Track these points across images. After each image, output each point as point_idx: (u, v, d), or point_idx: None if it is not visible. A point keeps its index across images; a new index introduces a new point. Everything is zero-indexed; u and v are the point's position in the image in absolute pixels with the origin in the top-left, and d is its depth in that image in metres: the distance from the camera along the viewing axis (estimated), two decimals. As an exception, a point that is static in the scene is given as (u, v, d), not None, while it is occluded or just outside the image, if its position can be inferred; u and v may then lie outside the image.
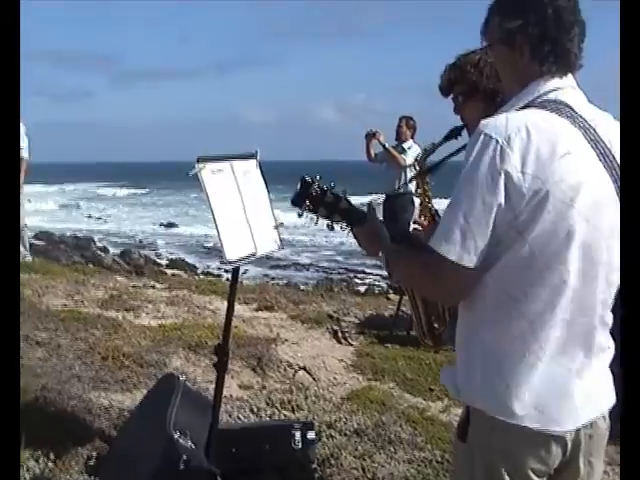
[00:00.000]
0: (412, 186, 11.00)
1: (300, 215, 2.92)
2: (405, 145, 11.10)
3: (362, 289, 18.95)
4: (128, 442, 4.51)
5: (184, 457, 3.90)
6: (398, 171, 11.13)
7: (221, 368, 4.14)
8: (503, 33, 2.56)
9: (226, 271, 25.84)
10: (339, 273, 26.12)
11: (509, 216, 2.34)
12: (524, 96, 2.54)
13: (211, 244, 31.08)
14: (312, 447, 4.79)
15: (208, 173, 3.82)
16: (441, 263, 2.40)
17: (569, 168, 2.36)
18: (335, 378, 7.03)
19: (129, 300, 9.08)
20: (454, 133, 3.86)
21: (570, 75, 2.57)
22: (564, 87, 2.54)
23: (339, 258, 30.94)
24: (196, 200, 53.27)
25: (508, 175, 2.32)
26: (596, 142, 2.47)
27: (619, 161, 2.49)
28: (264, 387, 6.54)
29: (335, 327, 8.62)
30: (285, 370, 7.02)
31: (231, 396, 6.12)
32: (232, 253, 3.86)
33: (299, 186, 2.88)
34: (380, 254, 2.79)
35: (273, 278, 24.66)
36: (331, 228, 2.94)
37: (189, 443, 4.05)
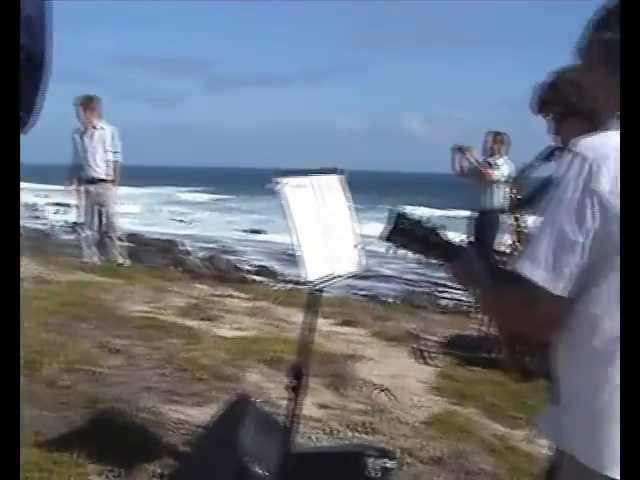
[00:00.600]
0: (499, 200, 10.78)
1: (394, 252, 2.78)
2: (496, 161, 10.87)
3: (445, 302, 18.74)
4: (197, 463, 4.36)
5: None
6: (487, 187, 10.91)
7: (296, 391, 3.97)
8: (604, 52, 2.37)
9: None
10: (422, 286, 25.83)
11: (600, 239, 2.16)
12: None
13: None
14: (389, 476, 4.57)
15: (288, 188, 3.65)
16: (532, 291, 2.21)
17: None
18: (415, 400, 6.80)
19: (209, 309, 8.99)
20: (550, 154, 3.66)
21: None
22: None
23: (424, 271, 30.68)
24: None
25: (600, 197, 2.14)
26: None
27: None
28: (342, 407, 6.35)
29: (417, 346, 8.40)
30: (363, 389, 6.81)
31: (305, 415, 5.94)
32: (312, 273, 3.68)
33: (391, 221, 2.74)
34: (475, 292, 2.62)
35: (356, 289, 24.54)
36: (425, 262, 2.78)
37: (261, 470, 3.89)
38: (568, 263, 2.17)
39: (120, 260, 12.15)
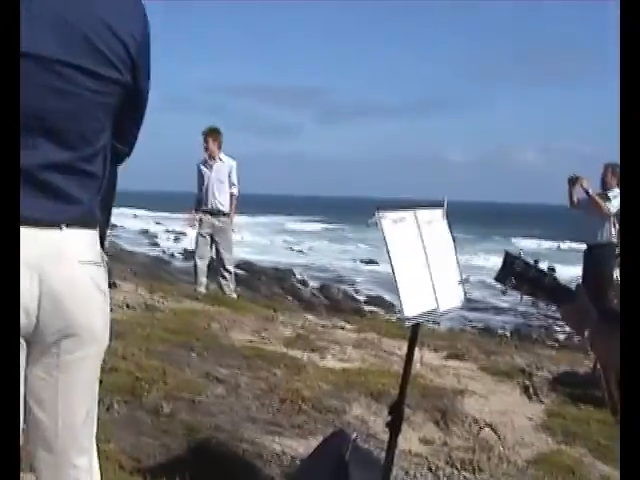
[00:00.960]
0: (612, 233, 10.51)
1: (504, 292, 2.75)
2: (611, 194, 10.61)
3: (561, 337, 18.41)
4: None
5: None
6: (601, 220, 10.65)
7: (394, 429, 3.90)
8: None
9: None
10: (538, 319, 25.39)
11: None
12: None
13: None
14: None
15: (389, 222, 3.59)
16: None
17: None
18: (522, 438, 6.64)
19: (316, 340, 8.96)
20: None
21: None
22: None
23: (539, 303, 30.16)
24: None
25: None
26: None
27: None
28: (446, 443, 6.23)
29: (527, 382, 8.19)
30: (470, 426, 6.68)
31: (409, 451, 5.85)
32: (411, 309, 3.61)
33: (502, 261, 2.70)
34: (585, 335, 2.54)
35: (470, 321, 24.30)
36: (536, 305, 2.72)
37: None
38: None
39: (227, 291, 12.28)
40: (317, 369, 7.60)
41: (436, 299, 3.79)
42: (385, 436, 5.92)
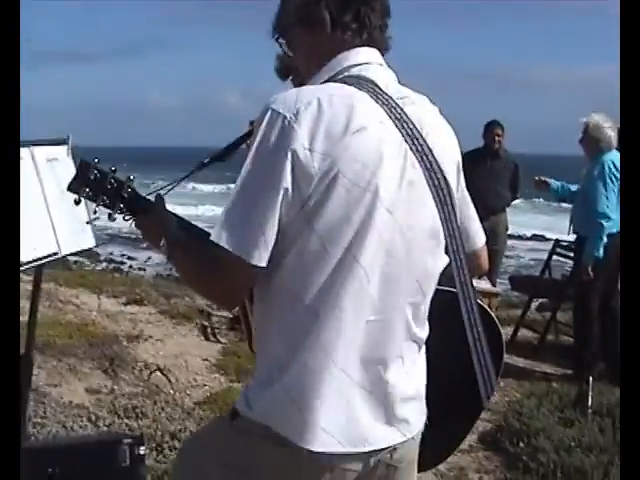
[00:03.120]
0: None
1: (77, 202, 2.46)
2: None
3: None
4: None
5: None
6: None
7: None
8: (301, 11, 2.24)
9: (129, 258, 25.50)
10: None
11: (297, 202, 1.98)
12: (325, 72, 2.20)
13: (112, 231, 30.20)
14: (142, 464, 4.30)
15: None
16: (224, 259, 2.00)
17: (365, 146, 2.02)
18: (195, 379, 6.57)
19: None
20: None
21: (377, 53, 2.25)
22: (370, 63, 2.21)
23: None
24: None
25: (295, 154, 1.96)
26: (402, 122, 2.12)
27: (435, 149, 2.17)
28: (112, 391, 6.04)
29: (205, 323, 8.12)
30: (141, 371, 6.52)
31: (70, 403, 5.64)
32: (26, 254, 3.33)
33: (76, 170, 2.42)
34: (162, 243, 2.35)
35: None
36: (113, 219, 2.48)
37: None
38: (267, 230, 1.98)
39: None
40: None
41: (57, 243, 3.54)
42: (48, 388, 5.72)
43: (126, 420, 5.40)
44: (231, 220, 2.01)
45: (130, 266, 23.19)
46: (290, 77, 3.36)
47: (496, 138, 9.29)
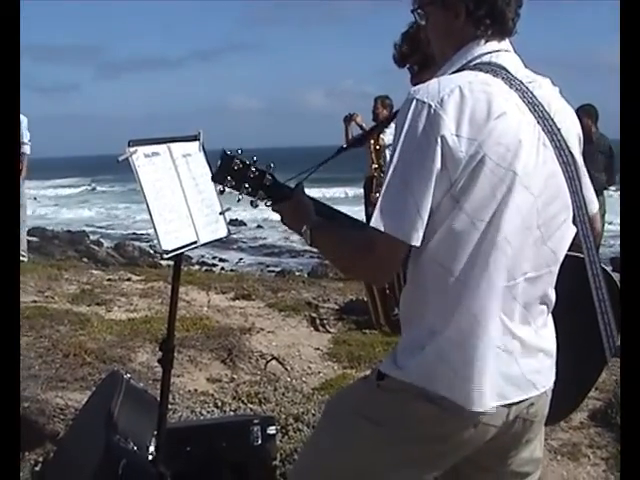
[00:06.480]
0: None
1: (222, 192, 2.70)
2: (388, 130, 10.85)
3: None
4: (71, 446, 4.25)
5: (124, 461, 3.65)
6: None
7: (165, 365, 3.90)
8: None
9: (221, 260, 25.85)
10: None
11: (445, 184, 2.17)
12: (457, 60, 2.38)
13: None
14: (272, 442, 4.53)
15: (141, 157, 3.53)
16: (383, 242, 2.19)
17: (506, 130, 2.20)
18: (309, 367, 6.79)
19: (101, 294, 8.81)
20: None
21: (507, 40, 2.42)
22: (499, 50, 2.38)
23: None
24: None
25: (444, 140, 2.14)
26: (534, 105, 2.31)
27: (559, 125, 2.36)
28: (233, 379, 6.29)
29: (313, 314, 8.36)
30: (257, 361, 6.76)
31: (195, 390, 5.89)
32: (169, 243, 3.57)
33: (219, 161, 2.65)
34: (304, 229, 2.55)
35: (268, 265, 24.49)
36: (255, 205, 2.69)
37: (130, 445, 3.81)
38: (422, 212, 2.16)
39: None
40: (102, 321, 7.49)
41: (196, 232, 3.77)
42: (173, 379, 5.96)
43: (250, 405, 5.63)
44: (390, 206, 2.19)
45: (222, 268, 23.40)
46: (407, 65, 3.52)
47: (587, 122, 9.29)
